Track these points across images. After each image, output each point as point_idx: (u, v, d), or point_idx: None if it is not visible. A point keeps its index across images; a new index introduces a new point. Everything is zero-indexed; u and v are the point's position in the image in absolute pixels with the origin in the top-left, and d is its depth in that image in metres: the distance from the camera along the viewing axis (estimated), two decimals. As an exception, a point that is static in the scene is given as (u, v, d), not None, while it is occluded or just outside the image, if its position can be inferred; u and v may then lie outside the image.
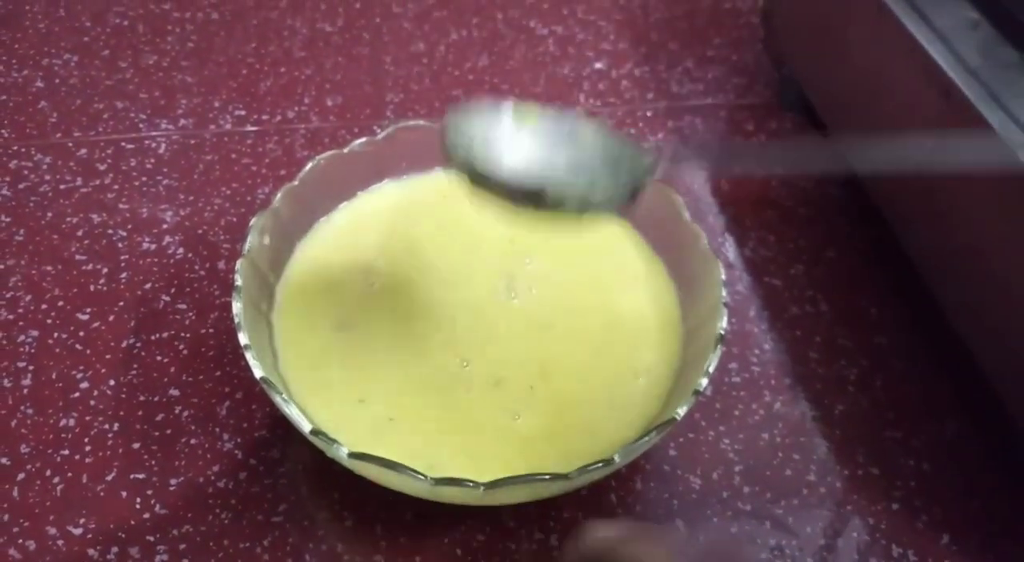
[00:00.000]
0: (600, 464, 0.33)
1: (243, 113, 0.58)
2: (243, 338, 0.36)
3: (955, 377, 0.47)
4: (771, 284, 0.51)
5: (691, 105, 0.62)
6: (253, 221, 0.40)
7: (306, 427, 0.33)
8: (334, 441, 0.33)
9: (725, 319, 0.38)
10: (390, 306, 0.41)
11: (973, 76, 0.44)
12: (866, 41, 0.51)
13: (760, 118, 0.61)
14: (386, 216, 0.45)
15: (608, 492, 0.41)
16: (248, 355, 0.35)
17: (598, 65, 0.64)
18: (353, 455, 0.33)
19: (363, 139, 0.45)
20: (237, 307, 0.37)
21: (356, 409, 0.37)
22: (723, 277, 0.40)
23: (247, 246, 0.39)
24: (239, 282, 0.38)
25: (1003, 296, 0.43)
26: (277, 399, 0.34)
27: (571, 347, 0.41)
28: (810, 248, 0.53)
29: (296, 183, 0.43)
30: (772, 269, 0.52)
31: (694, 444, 0.43)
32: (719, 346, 0.37)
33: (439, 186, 0.46)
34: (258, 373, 0.35)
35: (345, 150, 0.44)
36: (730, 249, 0.53)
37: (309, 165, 0.43)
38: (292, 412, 0.34)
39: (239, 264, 0.39)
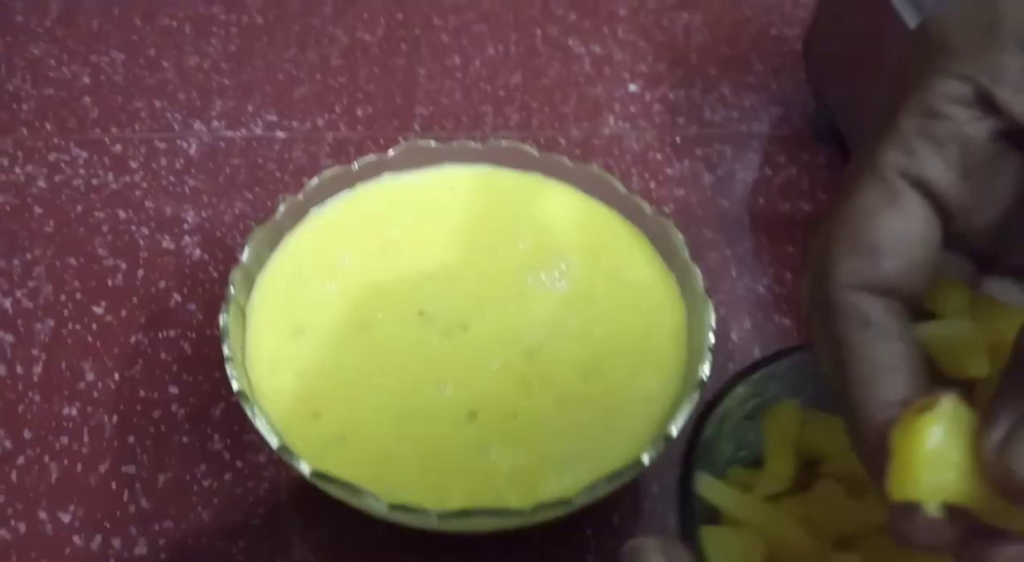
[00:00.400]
0: (555, 504, 0.33)
1: (274, 119, 0.59)
2: (226, 349, 0.37)
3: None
4: (781, 323, 0.50)
5: (722, 132, 0.61)
6: (253, 232, 0.41)
7: (274, 442, 0.34)
8: (298, 457, 0.34)
9: (708, 365, 0.37)
10: (349, 313, 0.40)
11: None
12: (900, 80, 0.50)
13: (792, 150, 0.60)
14: (378, 209, 0.44)
15: (584, 526, 0.41)
16: (228, 367, 0.36)
17: (632, 87, 0.63)
18: (315, 474, 0.33)
19: (373, 156, 0.46)
20: (224, 318, 0.38)
21: (309, 423, 0.37)
22: (713, 323, 0.39)
23: (244, 256, 0.40)
24: (231, 292, 0.39)
25: None
26: (248, 412, 0.35)
27: (561, 373, 0.40)
28: (826, 289, 0.51)
29: (300, 197, 0.43)
30: (784, 307, 0.51)
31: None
32: (696, 391, 0.36)
33: (441, 182, 0.46)
34: (235, 386, 0.36)
35: (354, 166, 0.45)
36: (742, 284, 0.52)
37: (315, 180, 0.44)
38: (261, 426, 0.34)
39: (233, 274, 0.40)
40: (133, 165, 0.56)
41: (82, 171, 0.55)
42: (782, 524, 0.28)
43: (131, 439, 0.43)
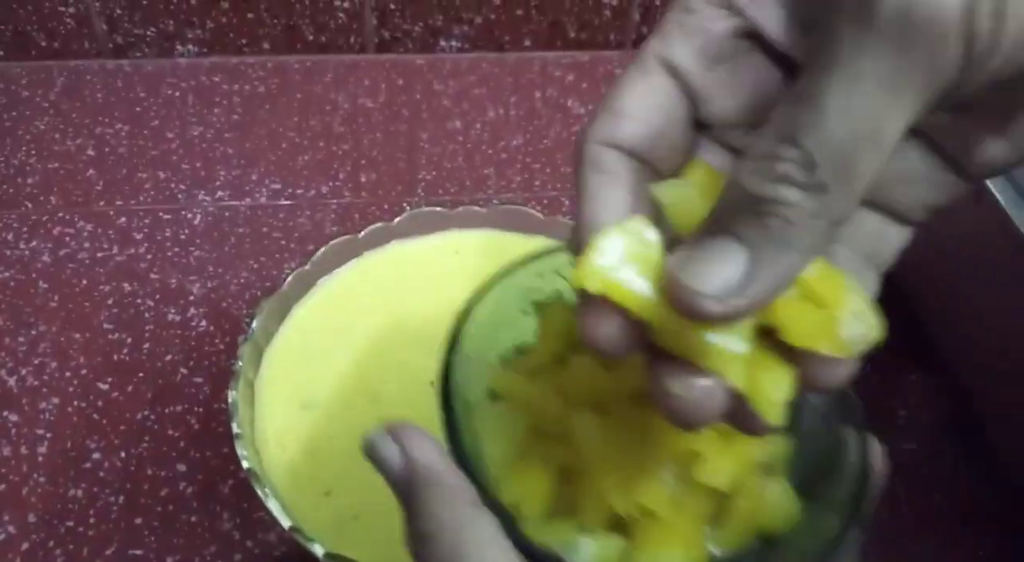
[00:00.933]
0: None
1: (279, 187, 0.59)
2: (235, 427, 0.36)
3: (991, 491, 0.44)
4: (795, 381, 0.49)
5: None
6: (260, 305, 0.41)
7: (286, 523, 0.33)
8: (311, 540, 0.33)
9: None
10: (359, 384, 0.40)
11: (1006, 177, 0.43)
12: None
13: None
14: (385, 278, 0.44)
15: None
16: (237, 446, 0.35)
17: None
18: (329, 555, 0.32)
19: (379, 224, 0.45)
20: (232, 394, 0.37)
21: (321, 501, 0.36)
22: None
23: (251, 330, 0.40)
24: (240, 366, 0.38)
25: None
26: (260, 493, 0.34)
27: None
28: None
29: (308, 267, 0.43)
30: (797, 365, 0.50)
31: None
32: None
33: (447, 248, 0.46)
34: (245, 464, 0.35)
35: (360, 235, 0.45)
36: (753, 342, 0.51)
37: (321, 251, 0.44)
38: (273, 507, 0.34)
39: (242, 348, 0.39)
40: (138, 237, 0.56)
41: (87, 244, 0.55)
42: (539, 395, 0.28)
43: (138, 520, 0.42)
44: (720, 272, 0.19)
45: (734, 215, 0.19)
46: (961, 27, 0.17)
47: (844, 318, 0.22)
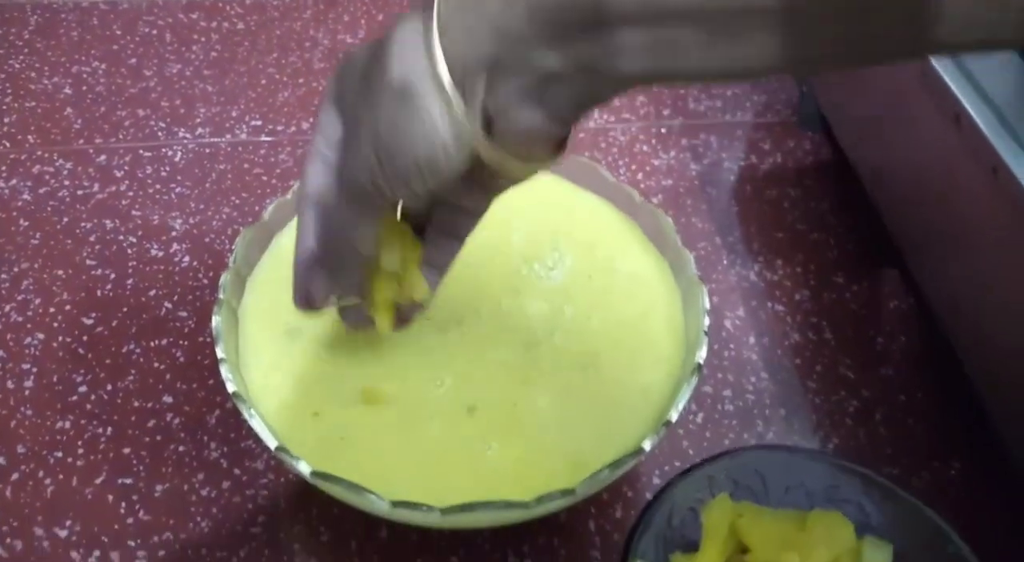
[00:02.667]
0: (559, 494, 0.32)
1: (259, 123, 0.59)
2: (220, 351, 0.36)
3: (962, 416, 0.45)
4: (774, 310, 0.50)
5: (707, 123, 0.61)
6: (242, 234, 0.41)
7: (271, 443, 0.34)
8: (298, 458, 0.33)
9: (704, 349, 0.37)
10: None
11: (986, 102, 0.43)
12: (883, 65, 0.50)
13: (777, 137, 0.60)
14: None
15: (587, 519, 0.41)
16: (223, 369, 0.36)
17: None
18: (316, 474, 0.33)
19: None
20: (216, 320, 0.37)
21: (308, 423, 0.36)
22: (708, 305, 0.39)
23: (233, 258, 0.40)
24: (222, 295, 0.38)
25: (1015, 337, 0.41)
26: (245, 413, 0.34)
27: (560, 366, 0.39)
28: (819, 274, 0.52)
29: (289, 197, 0.43)
30: (777, 294, 0.51)
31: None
32: (694, 376, 0.36)
33: None
34: (231, 387, 0.35)
35: (341, 165, 0.45)
36: (733, 272, 0.52)
37: (303, 180, 0.43)
38: (257, 426, 0.34)
39: (224, 277, 0.39)
40: (118, 175, 0.55)
41: (67, 183, 0.55)
42: None
43: (126, 450, 0.43)
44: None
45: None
46: None
47: None
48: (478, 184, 0.32)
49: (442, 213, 0.35)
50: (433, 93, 0.27)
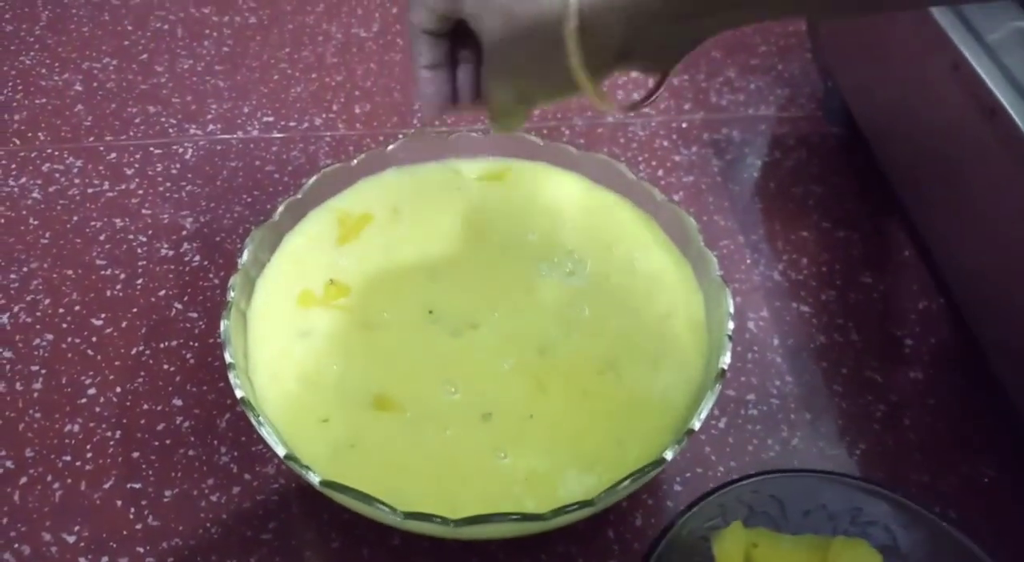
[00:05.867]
0: (577, 506, 0.31)
1: (271, 119, 0.58)
2: (228, 356, 0.35)
3: (993, 420, 0.44)
4: (799, 310, 0.48)
5: (729, 117, 0.59)
6: (251, 234, 0.40)
7: (280, 451, 0.33)
8: (307, 468, 0.32)
9: (728, 354, 0.36)
10: (355, 313, 0.39)
11: (1018, 91, 0.41)
12: (910, 54, 0.48)
13: (802, 132, 0.58)
14: (379, 206, 0.43)
15: (606, 527, 0.40)
16: (231, 375, 0.35)
17: (635, 73, 0.62)
18: (325, 483, 0.32)
19: (373, 150, 0.44)
20: (225, 324, 0.36)
21: (317, 429, 0.36)
22: (732, 309, 0.37)
23: (242, 260, 0.39)
24: (231, 296, 0.38)
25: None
26: (253, 421, 0.33)
27: (576, 371, 0.38)
28: (845, 273, 0.50)
29: (299, 196, 0.42)
30: (802, 294, 0.49)
31: (701, 480, 0.41)
32: (718, 383, 0.35)
33: (445, 174, 0.44)
34: (239, 393, 0.34)
35: (353, 162, 0.44)
36: (757, 272, 0.50)
37: (314, 178, 0.42)
38: (266, 435, 0.33)
39: (233, 279, 0.38)
40: (128, 172, 0.55)
41: (77, 180, 0.54)
42: None
43: (135, 454, 0.42)
44: None
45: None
46: None
47: None
48: None
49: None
50: None
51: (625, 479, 0.32)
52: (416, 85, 0.34)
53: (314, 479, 0.32)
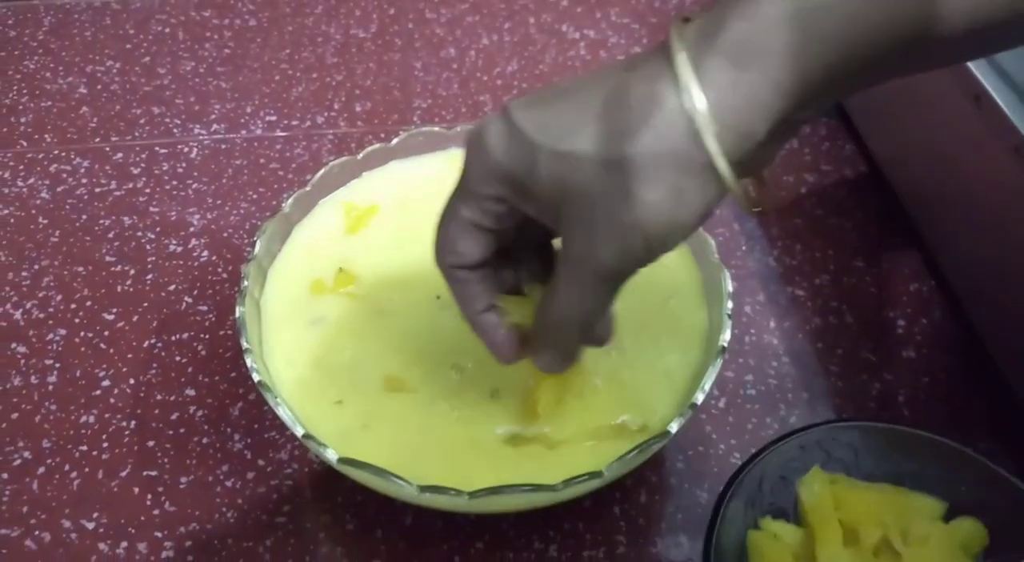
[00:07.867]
0: (586, 476, 0.32)
1: (274, 118, 0.59)
2: (244, 342, 0.36)
3: (986, 397, 0.45)
4: (794, 294, 0.50)
5: (723, 110, 0.61)
6: (262, 226, 0.41)
7: (299, 431, 0.34)
8: (324, 446, 0.33)
9: (728, 332, 0.37)
10: (365, 300, 0.40)
11: (1007, 82, 0.43)
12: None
13: (793, 123, 0.60)
14: (385, 196, 0.44)
15: (612, 504, 0.41)
16: (248, 359, 0.36)
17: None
18: (343, 460, 0.33)
19: (377, 145, 0.45)
20: (240, 310, 0.37)
21: (331, 411, 0.37)
22: (731, 288, 0.39)
23: (255, 251, 0.40)
24: (245, 285, 0.39)
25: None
26: (270, 402, 0.34)
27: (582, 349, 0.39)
28: (838, 258, 0.51)
29: (308, 188, 0.43)
30: (797, 279, 0.50)
31: (703, 458, 0.43)
32: (719, 358, 0.36)
33: (448, 165, 0.45)
34: (256, 377, 0.35)
35: (359, 156, 0.45)
36: (752, 258, 0.51)
37: (321, 171, 0.43)
38: (284, 415, 0.34)
39: (245, 268, 0.39)
40: (135, 172, 0.56)
41: (84, 180, 0.55)
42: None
43: (151, 443, 0.43)
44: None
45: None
46: None
47: None
48: None
49: (533, 228, 0.33)
50: (699, 169, 0.26)
51: (632, 450, 0.33)
52: (479, 331, 0.33)
53: (332, 457, 0.33)
